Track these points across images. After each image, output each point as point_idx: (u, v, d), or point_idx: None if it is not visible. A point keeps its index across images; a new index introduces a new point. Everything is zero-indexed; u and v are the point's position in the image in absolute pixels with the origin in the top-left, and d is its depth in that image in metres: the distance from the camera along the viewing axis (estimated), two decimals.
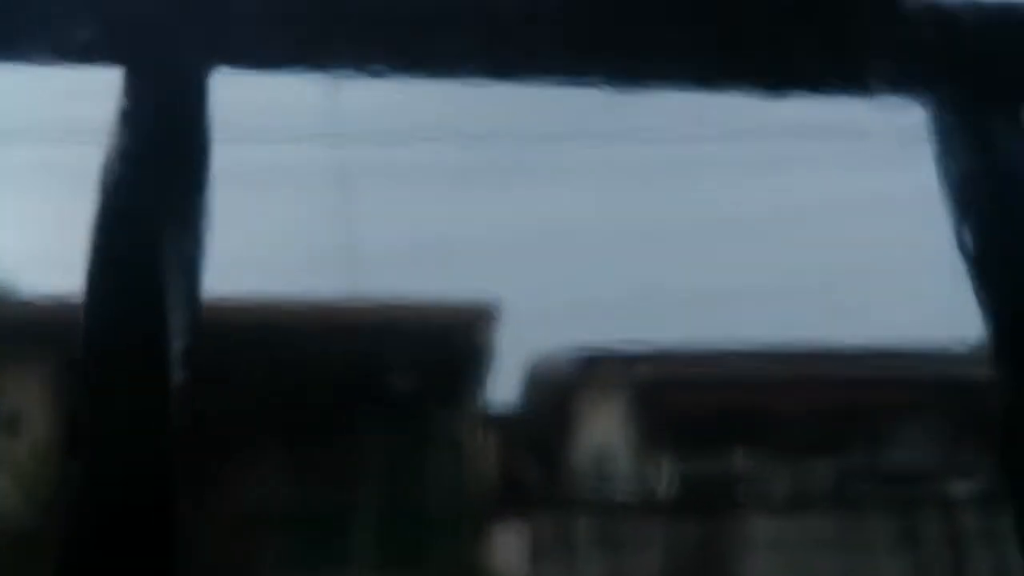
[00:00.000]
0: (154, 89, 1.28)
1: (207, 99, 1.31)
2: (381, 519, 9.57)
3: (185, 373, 1.53)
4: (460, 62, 1.41)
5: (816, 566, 8.80)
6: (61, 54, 1.36)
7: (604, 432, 10.89)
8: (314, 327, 9.35)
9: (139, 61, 1.27)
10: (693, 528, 8.92)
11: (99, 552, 1.46)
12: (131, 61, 1.27)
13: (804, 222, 15.37)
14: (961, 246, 1.59)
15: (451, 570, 9.02)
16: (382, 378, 9.96)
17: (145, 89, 1.28)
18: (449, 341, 9.67)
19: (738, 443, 10.71)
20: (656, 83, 1.60)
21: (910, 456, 10.04)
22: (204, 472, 9.81)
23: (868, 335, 10.49)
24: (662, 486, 10.36)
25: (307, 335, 9.26)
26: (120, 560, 1.46)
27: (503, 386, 11.05)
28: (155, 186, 1.34)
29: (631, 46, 1.44)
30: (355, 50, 1.39)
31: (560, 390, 11.25)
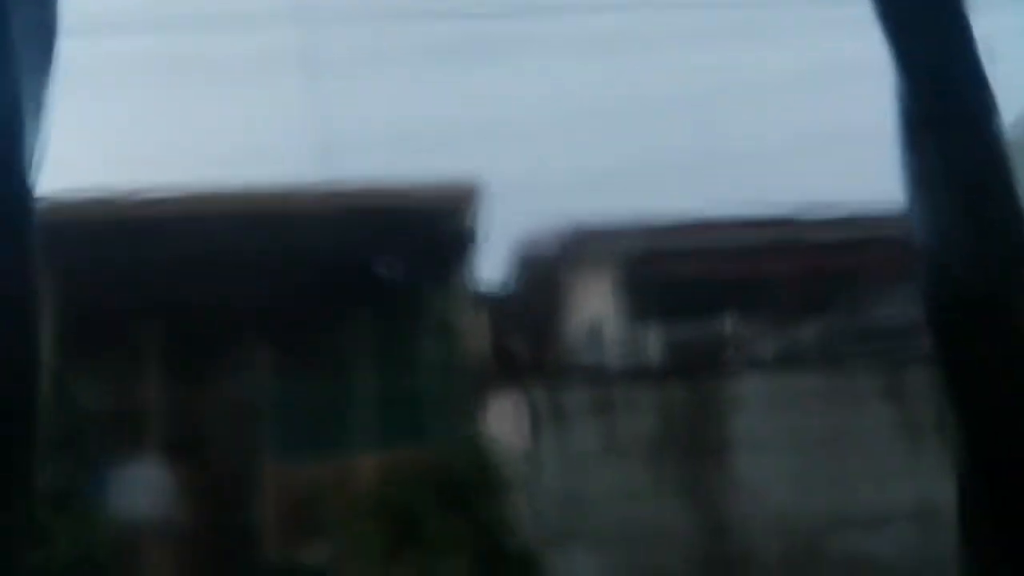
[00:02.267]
0: None
1: None
2: (377, 403, 9.66)
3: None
4: None
5: (805, 421, 9.01)
6: None
7: (595, 304, 10.97)
8: (296, 215, 9.26)
9: None
10: (685, 391, 9.09)
11: None
12: None
13: (789, 89, 15.22)
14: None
15: (451, 446, 9.16)
16: (369, 263, 9.93)
17: None
18: (434, 222, 9.60)
19: (727, 308, 10.82)
20: None
21: (895, 315, 10.17)
22: (198, 364, 9.83)
23: (852, 199, 10.52)
24: (654, 353, 10.50)
25: (289, 223, 9.17)
26: None
27: (493, 264, 11.08)
28: None
29: None
30: None
31: (550, 265, 11.30)
